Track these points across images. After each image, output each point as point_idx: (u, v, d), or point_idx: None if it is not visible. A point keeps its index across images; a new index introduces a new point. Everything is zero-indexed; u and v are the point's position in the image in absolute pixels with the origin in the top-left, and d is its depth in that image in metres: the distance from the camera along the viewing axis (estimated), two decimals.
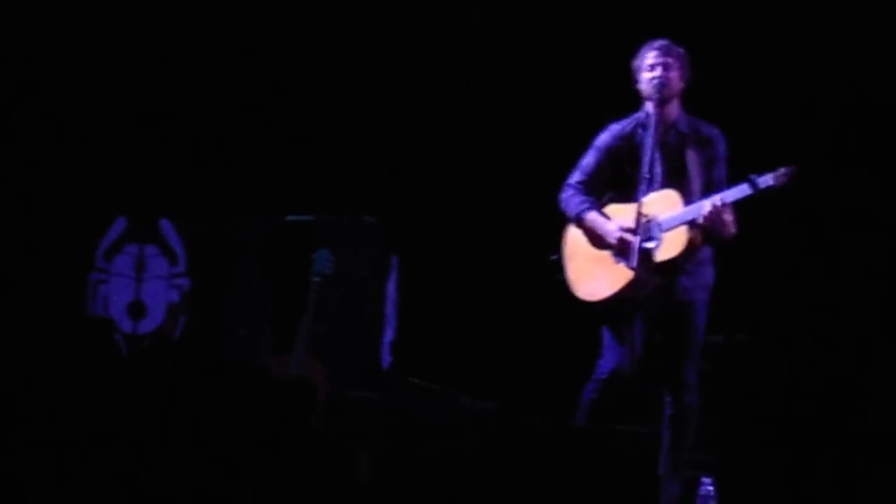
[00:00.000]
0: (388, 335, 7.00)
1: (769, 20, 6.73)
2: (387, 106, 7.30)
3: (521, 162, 6.99)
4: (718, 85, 6.27)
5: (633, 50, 5.73)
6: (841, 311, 6.59)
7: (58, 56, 7.39)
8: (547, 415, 5.70)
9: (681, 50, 5.70)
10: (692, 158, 5.62)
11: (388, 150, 7.27)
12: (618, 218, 5.62)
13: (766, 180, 5.41)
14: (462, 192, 7.18)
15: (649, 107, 5.68)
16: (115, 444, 4.39)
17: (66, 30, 7.37)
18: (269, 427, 4.52)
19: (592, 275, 5.67)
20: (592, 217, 5.70)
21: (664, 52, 5.66)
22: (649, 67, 5.66)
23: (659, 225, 5.53)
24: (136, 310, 7.29)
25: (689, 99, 5.74)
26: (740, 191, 5.46)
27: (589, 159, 5.79)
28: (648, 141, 5.58)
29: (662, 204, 5.55)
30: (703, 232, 5.50)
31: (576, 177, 5.80)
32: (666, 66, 5.64)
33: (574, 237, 5.77)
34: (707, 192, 5.53)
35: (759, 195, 5.42)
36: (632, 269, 5.47)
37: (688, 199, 5.53)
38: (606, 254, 5.65)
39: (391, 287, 7.04)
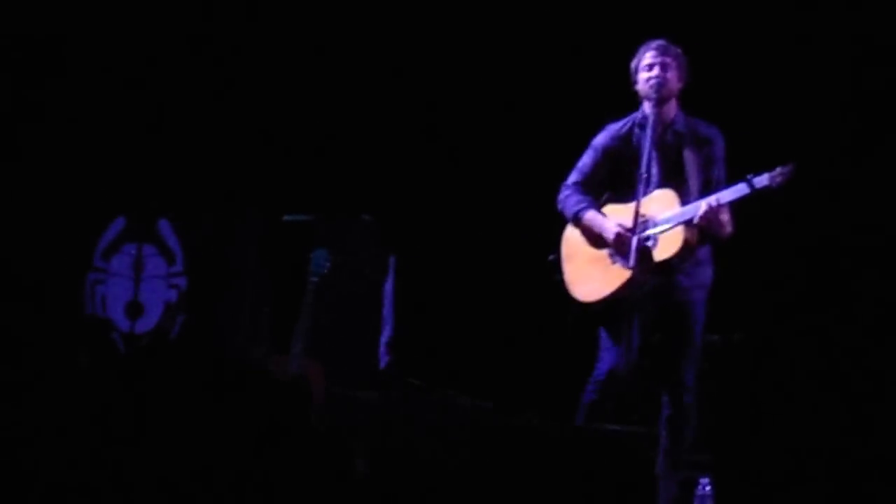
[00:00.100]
0: (386, 335, 6.99)
1: (769, 20, 6.73)
2: (386, 106, 7.29)
3: (520, 162, 6.99)
4: (718, 85, 6.27)
5: (632, 50, 5.73)
6: (840, 311, 6.59)
7: (57, 56, 7.39)
8: (546, 415, 5.69)
9: (678, 50, 5.70)
10: (690, 158, 5.61)
11: (387, 150, 7.27)
12: (616, 218, 5.62)
13: (763, 180, 5.40)
14: (461, 192, 7.18)
15: (647, 107, 5.68)
16: (113, 443, 4.40)
17: (65, 29, 7.38)
18: (267, 426, 4.53)
19: (590, 276, 5.66)
20: (590, 216, 5.69)
21: (662, 51, 5.66)
22: (647, 67, 5.65)
23: (656, 225, 5.53)
24: (134, 309, 7.28)
25: (688, 99, 5.74)
26: (737, 191, 5.45)
27: (586, 160, 5.79)
28: (646, 141, 5.58)
29: (660, 204, 5.55)
30: (700, 232, 5.50)
31: (573, 177, 5.80)
32: (663, 66, 5.63)
33: (572, 238, 5.77)
34: (705, 191, 5.53)
35: (757, 195, 5.42)
36: (629, 268, 5.47)
37: (685, 199, 5.53)
38: (604, 254, 5.64)
39: (389, 287, 7.03)
